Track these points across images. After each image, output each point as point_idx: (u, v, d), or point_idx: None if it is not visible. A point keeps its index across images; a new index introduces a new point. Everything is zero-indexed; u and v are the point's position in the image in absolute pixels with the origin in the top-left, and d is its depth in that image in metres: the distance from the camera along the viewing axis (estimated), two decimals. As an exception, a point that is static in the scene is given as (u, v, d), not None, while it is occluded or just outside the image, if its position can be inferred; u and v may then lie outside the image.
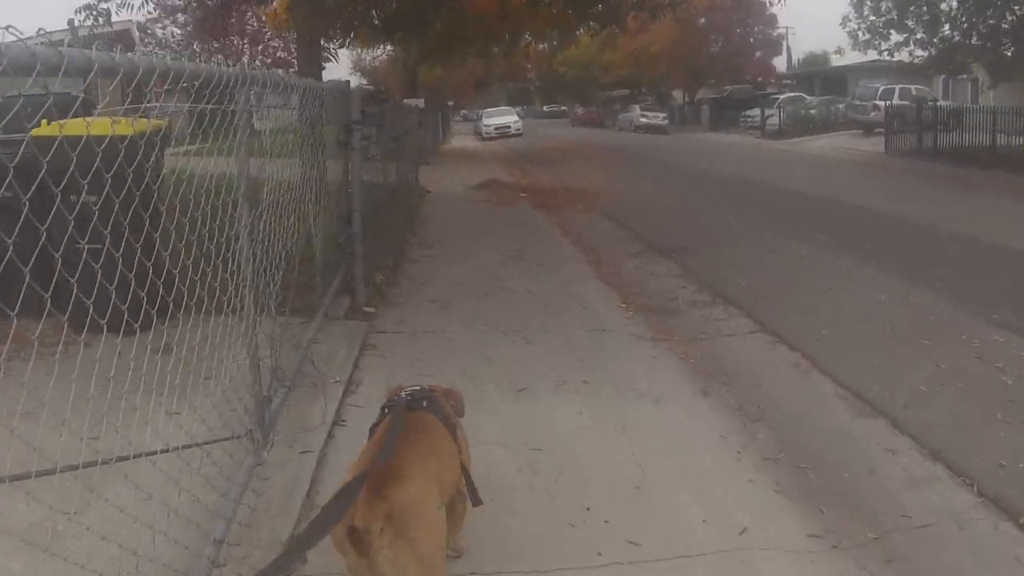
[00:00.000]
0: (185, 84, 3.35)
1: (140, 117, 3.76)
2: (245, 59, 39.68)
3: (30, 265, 2.38)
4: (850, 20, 31.34)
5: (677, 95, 69.61)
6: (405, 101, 24.54)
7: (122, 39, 34.07)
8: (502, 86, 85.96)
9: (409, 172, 17.63)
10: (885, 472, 4.98)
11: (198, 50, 38.43)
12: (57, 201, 2.58)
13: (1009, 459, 5.04)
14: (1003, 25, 26.42)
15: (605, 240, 13.21)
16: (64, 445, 3.15)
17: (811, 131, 42.09)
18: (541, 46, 37.25)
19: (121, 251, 3.13)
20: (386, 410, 3.58)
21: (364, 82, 49.56)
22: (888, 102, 33.90)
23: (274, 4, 17.77)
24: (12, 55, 2.12)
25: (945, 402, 6.06)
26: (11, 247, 2.33)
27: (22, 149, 2.59)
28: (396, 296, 9.06)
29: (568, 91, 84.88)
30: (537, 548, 3.96)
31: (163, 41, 40.24)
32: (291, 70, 25.65)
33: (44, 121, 3.18)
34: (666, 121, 57.71)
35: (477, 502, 3.54)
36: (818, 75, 62.65)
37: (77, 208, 2.94)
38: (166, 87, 3.38)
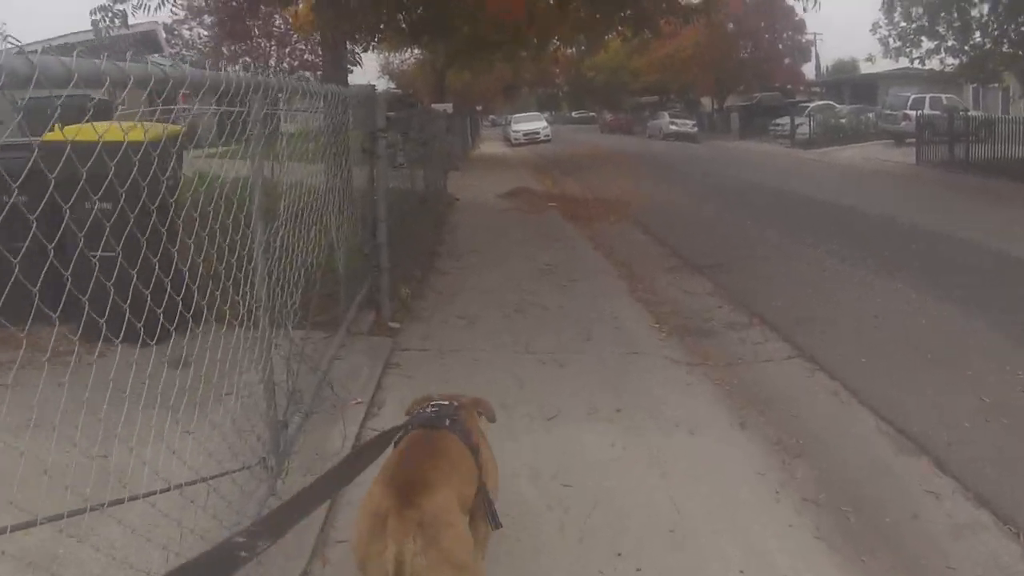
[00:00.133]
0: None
1: (156, 122, 3.65)
2: (272, 61, 39.65)
3: (43, 273, 2.40)
4: (881, 26, 31.12)
5: (705, 102, 69.24)
6: (433, 105, 24.32)
7: (147, 40, 34.12)
8: (531, 91, 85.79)
9: (438, 179, 17.43)
10: (928, 517, 4.72)
11: (225, 52, 38.47)
12: (66, 208, 2.56)
13: (1059, 506, 4.75)
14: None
15: (637, 253, 12.92)
16: (72, 462, 2.98)
17: (841, 140, 41.65)
18: (569, 51, 37.05)
19: (134, 260, 3.05)
20: (408, 424, 3.52)
21: (392, 86, 49.44)
22: (919, 111, 33.41)
23: (299, 6, 17.61)
24: (12, 67, 2.04)
25: (990, 440, 5.76)
26: (22, 253, 2.31)
27: (34, 155, 2.47)
28: (422, 310, 8.82)
29: (597, 97, 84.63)
30: (565, 596, 3.69)
31: (190, 43, 40.25)
32: (317, 73, 25.54)
33: (57, 126, 3.05)
34: (695, 129, 57.47)
35: (496, 525, 3.47)
36: (847, 83, 62.11)
37: (92, 216, 2.94)
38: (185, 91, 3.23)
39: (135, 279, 3.03)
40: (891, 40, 30.82)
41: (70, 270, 2.57)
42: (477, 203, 19.28)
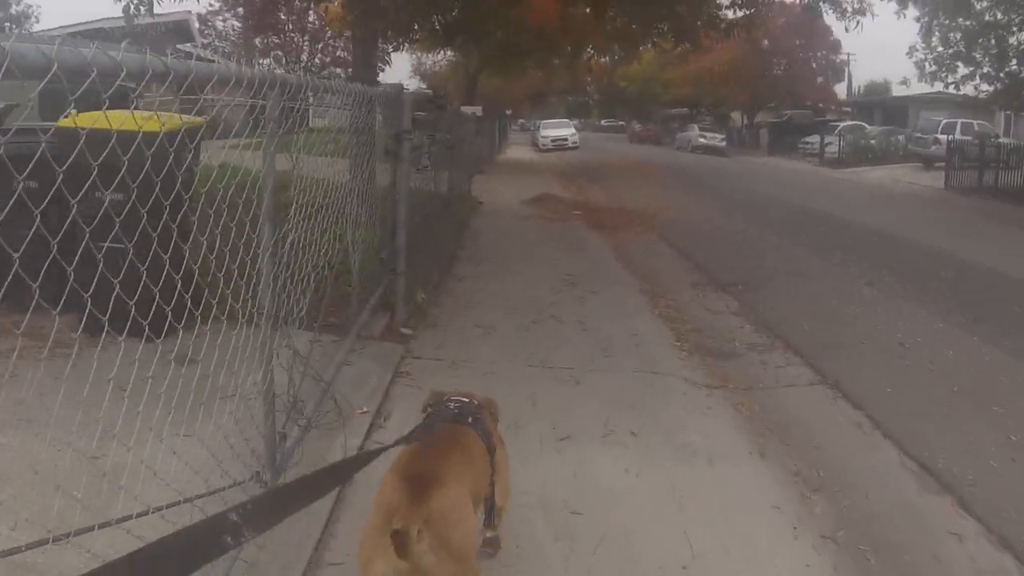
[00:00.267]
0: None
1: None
2: (304, 56, 39.78)
3: (46, 263, 2.35)
4: (917, 50, 30.83)
5: (735, 117, 68.96)
6: (463, 108, 24.19)
7: (180, 30, 34.21)
8: (561, 98, 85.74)
9: (463, 182, 17.26)
10: (950, 559, 4.53)
11: (258, 45, 38.61)
12: (76, 197, 2.46)
13: (1084, 556, 4.54)
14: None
15: (660, 268, 12.68)
16: (64, 461, 2.81)
17: (870, 161, 41.57)
18: (603, 60, 36.96)
19: (142, 253, 2.98)
20: (430, 416, 3.60)
21: (423, 86, 49.46)
22: (950, 136, 33.29)
23: (334, 2, 17.50)
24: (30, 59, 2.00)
25: (1016, 481, 5.53)
26: (27, 240, 2.28)
27: (44, 142, 2.48)
28: (438, 316, 8.61)
29: (627, 106, 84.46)
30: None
31: (223, 34, 40.42)
32: (348, 70, 25.45)
33: (73, 112, 2.98)
34: (724, 143, 57.30)
35: (493, 526, 3.63)
36: (878, 104, 61.90)
37: (100, 206, 2.78)
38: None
39: (143, 273, 2.95)
40: (927, 64, 30.49)
41: (75, 261, 2.52)
42: (501, 208, 19.09)
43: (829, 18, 16.35)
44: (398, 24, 15.07)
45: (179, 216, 3.33)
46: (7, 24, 41.10)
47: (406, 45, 27.44)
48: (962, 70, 29.79)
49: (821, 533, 4.61)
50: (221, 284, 3.58)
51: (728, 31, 17.90)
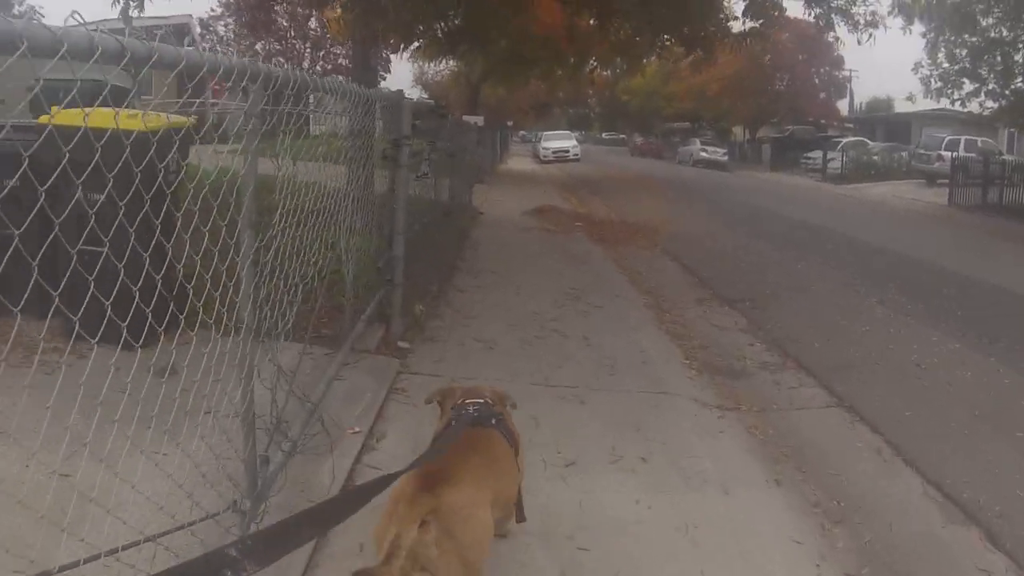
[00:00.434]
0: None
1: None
2: (306, 63, 39.67)
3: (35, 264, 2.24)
4: (923, 66, 30.71)
5: (737, 131, 68.86)
6: (464, 117, 23.92)
7: (180, 33, 34.01)
8: (563, 110, 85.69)
9: (463, 191, 16.97)
10: (980, 598, 4.25)
11: (260, 50, 38.50)
12: (50, 196, 2.29)
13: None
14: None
15: (665, 282, 12.36)
16: (30, 478, 2.53)
17: (872, 177, 41.61)
18: (605, 72, 36.80)
19: (120, 256, 2.76)
20: (453, 421, 3.54)
21: (425, 96, 49.32)
22: (953, 153, 33.36)
23: (337, 7, 17.22)
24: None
25: (1045, 513, 5.24)
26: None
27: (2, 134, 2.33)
28: (436, 330, 8.22)
29: (629, 120, 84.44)
30: None
31: (224, 39, 40.36)
32: (349, 78, 25.21)
33: (54, 108, 2.89)
34: (726, 157, 57.23)
35: (521, 519, 3.66)
36: (881, 121, 61.80)
37: (76, 205, 2.66)
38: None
39: (120, 275, 2.74)
40: (933, 80, 30.34)
41: (49, 261, 2.44)
42: (502, 218, 18.77)
43: (839, 31, 16.06)
44: (399, 25, 14.74)
45: (160, 217, 3.13)
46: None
47: (407, 51, 27.18)
48: (968, 86, 29.75)
49: (845, 571, 4.35)
50: (191, 293, 3.25)
51: (740, 41, 17.60)
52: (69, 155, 2.35)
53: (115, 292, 2.73)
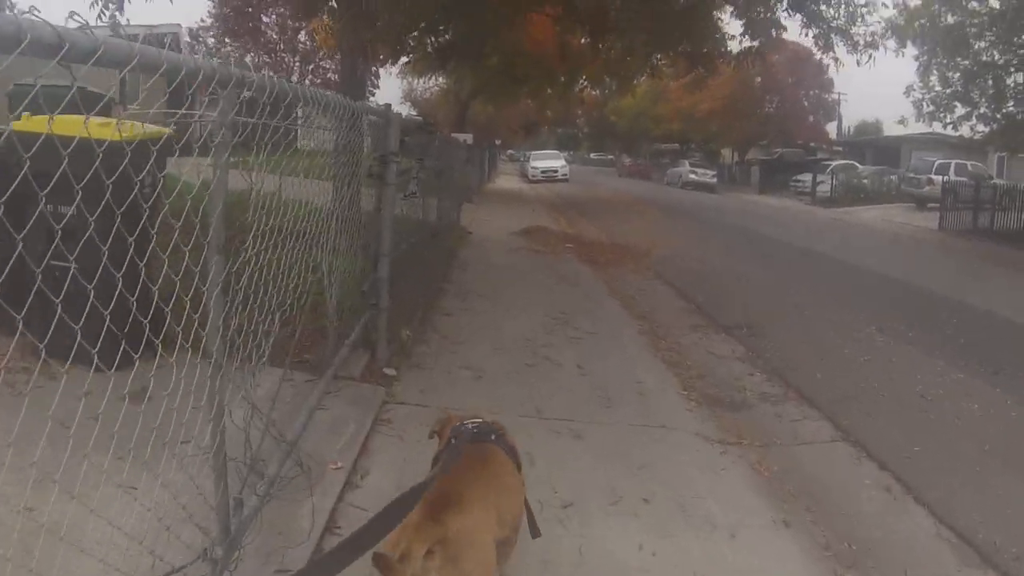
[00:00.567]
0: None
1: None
2: (295, 77, 39.49)
3: None
4: (915, 89, 30.67)
5: (725, 153, 68.91)
6: (453, 135, 23.68)
7: (170, 45, 33.75)
8: (551, 130, 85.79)
9: (451, 210, 16.68)
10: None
11: (249, 63, 38.27)
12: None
13: None
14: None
15: (659, 307, 12.04)
16: None
17: (862, 201, 41.76)
18: (595, 92, 36.69)
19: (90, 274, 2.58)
20: (452, 439, 3.51)
21: (414, 113, 49.21)
22: (944, 176, 33.55)
23: (325, 16, 16.96)
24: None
25: (1063, 555, 5.00)
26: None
27: None
28: (423, 356, 7.86)
29: (617, 140, 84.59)
30: None
31: (213, 50, 40.23)
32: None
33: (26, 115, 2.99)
34: (715, 179, 57.25)
35: (536, 533, 3.56)
36: (870, 144, 62.02)
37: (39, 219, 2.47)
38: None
39: (90, 295, 2.54)
40: (925, 104, 30.31)
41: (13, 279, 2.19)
42: (490, 239, 18.48)
43: (838, 51, 15.89)
44: (388, 34, 14.43)
45: (134, 234, 2.88)
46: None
47: (397, 65, 26.98)
48: (959, 110, 29.72)
49: (859, 621, 4.03)
50: (169, 316, 2.94)
51: (742, 59, 17.41)
52: (31, 164, 2.10)
53: (86, 312, 2.53)
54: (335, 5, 14.91)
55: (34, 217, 2.34)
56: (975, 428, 7.28)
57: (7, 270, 2.08)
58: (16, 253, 2.20)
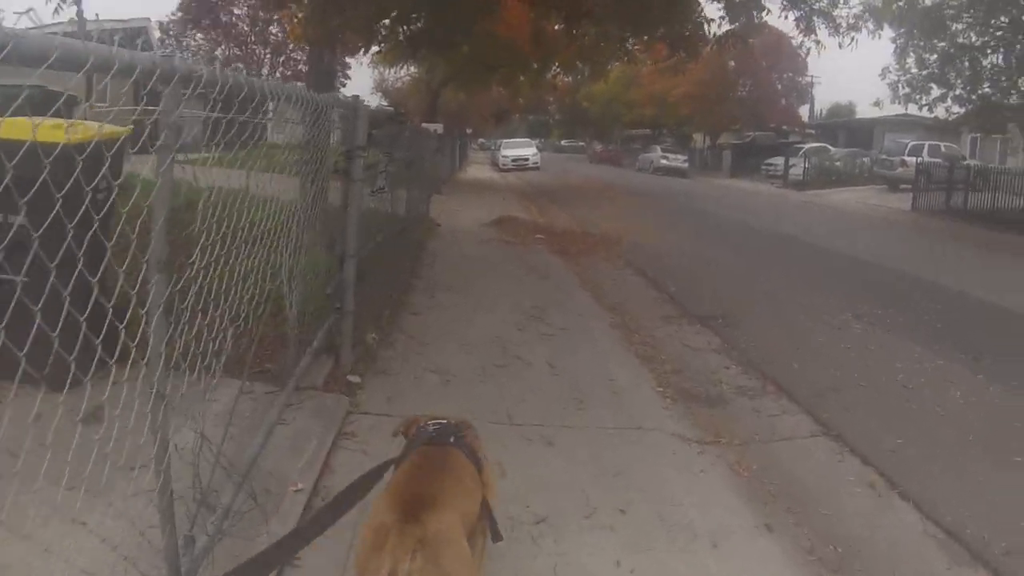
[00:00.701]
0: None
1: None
2: (265, 70, 39.28)
3: None
4: (891, 71, 30.62)
5: (697, 138, 68.84)
6: (424, 124, 23.40)
7: (137, 38, 33.33)
8: (523, 117, 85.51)
9: (421, 203, 16.42)
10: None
11: (219, 56, 38.04)
12: None
13: None
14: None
15: (631, 298, 11.83)
16: None
17: (834, 183, 41.98)
18: (567, 78, 36.48)
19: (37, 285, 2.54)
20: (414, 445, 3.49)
21: (385, 103, 48.95)
22: (918, 158, 33.79)
23: (293, 7, 16.60)
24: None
25: (1054, 550, 4.90)
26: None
27: None
28: (389, 360, 7.58)
29: (589, 127, 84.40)
30: None
31: (184, 44, 39.96)
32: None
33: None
34: (686, 164, 57.28)
35: (497, 537, 3.44)
36: (842, 126, 62.19)
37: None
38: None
39: (38, 311, 2.38)
40: (901, 86, 30.30)
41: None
42: (460, 230, 18.26)
43: (820, 34, 15.65)
44: (357, 22, 14.05)
45: (83, 245, 2.62)
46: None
47: (368, 54, 26.62)
48: (935, 92, 29.80)
49: (849, 629, 3.90)
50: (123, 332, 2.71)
51: (724, 42, 17.18)
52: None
53: (34, 329, 2.38)
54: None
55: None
56: (958, 417, 7.16)
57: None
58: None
